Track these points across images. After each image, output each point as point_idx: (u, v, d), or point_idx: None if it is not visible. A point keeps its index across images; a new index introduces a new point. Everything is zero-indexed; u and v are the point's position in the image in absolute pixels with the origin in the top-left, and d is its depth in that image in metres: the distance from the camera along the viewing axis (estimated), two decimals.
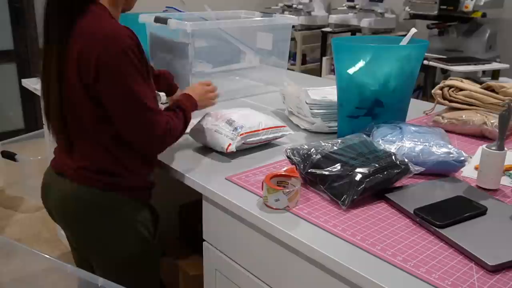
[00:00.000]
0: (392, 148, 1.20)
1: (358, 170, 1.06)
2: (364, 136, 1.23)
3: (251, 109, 1.47)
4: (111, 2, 1.18)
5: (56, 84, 1.13)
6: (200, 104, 1.40)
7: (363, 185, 1.03)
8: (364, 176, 1.05)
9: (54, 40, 1.13)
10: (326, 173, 1.08)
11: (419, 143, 1.21)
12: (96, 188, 1.18)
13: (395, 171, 1.09)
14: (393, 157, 1.12)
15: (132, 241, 1.24)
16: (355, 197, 1.03)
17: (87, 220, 1.21)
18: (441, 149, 1.19)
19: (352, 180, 1.04)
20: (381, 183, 1.07)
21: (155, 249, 1.31)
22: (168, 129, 1.18)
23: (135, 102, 1.12)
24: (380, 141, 1.24)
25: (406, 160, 1.13)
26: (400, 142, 1.22)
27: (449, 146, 1.21)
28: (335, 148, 1.15)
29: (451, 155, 1.17)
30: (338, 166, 1.08)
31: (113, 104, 1.12)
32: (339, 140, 1.20)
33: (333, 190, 1.06)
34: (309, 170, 1.11)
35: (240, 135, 1.29)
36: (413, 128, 1.29)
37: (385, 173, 1.07)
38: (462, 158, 1.18)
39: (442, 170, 1.19)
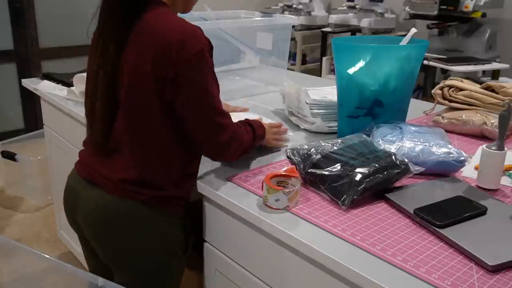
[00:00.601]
0: (392, 148, 1.20)
1: (358, 170, 1.06)
2: (364, 136, 1.23)
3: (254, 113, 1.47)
4: (171, 2, 1.13)
5: (109, 80, 1.07)
6: (267, 137, 1.32)
7: (363, 185, 1.03)
8: (364, 176, 1.05)
9: (113, 32, 1.06)
10: (326, 173, 1.08)
11: (419, 143, 1.21)
12: (134, 201, 1.11)
13: (395, 171, 1.09)
14: (393, 157, 1.12)
15: (164, 258, 1.18)
16: (355, 197, 1.03)
17: (121, 233, 1.13)
18: (441, 149, 1.19)
19: (352, 180, 1.04)
20: (381, 183, 1.07)
21: (183, 267, 1.26)
22: (233, 136, 1.14)
23: (210, 104, 1.08)
24: (380, 141, 1.24)
25: (406, 160, 1.13)
26: (400, 142, 1.22)
27: (449, 146, 1.21)
28: (335, 148, 1.15)
29: (451, 155, 1.17)
30: (338, 166, 1.08)
31: (188, 104, 1.06)
32: (339, 140, 1.20)
33: (333, 190, 1.06)
34: (309, 170, 1.11)
35: None
36: (413, 128, 1.29)
37: (385, 173, 1.07)
38: (462, 158, 1.18)
39: (442, 170, 1.19)
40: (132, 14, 1.06)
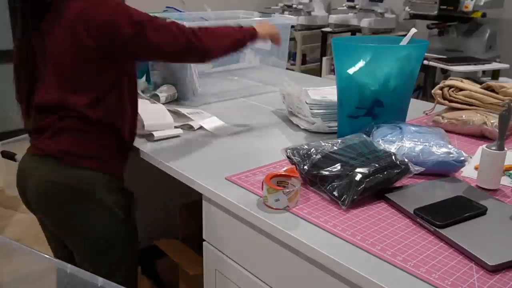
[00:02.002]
0: (392, 148, 1.20)
1: (358, 170, 1.06)
2: (364, 136, 1.23)
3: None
4: None
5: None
6: (259, 30, 1.41)
7: (363, 185, 1.03)
8: (364, 176, 1.05)
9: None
10: (326, 173, 1.08)
11: (419, 143, 1.21)
12: (71, 167, 1.22)
13: (395, 171, 1.09)
14: (393, 157, 1.12)
15: (107, 222, 1.27)
16: (355, 197, 1.03)
17: (61, 204, 1.25)
18: (441, 149, 1.19)
19: (352, 180, 1.04)
20: (381, 183, 1.07)
21: (131, 231, 1.34)
22: (188, 28, 1.24)
23: (124, 15, 1.18)
24: (380, 141, 1.24)
25: (406, 160, 1.13)
26: (400, 142, 1.22)
27: (449, 146, 1.21)
28: (335, 148, 1.15)
29: (451, 155, 1.17)
30: (338, 166, 1.08)
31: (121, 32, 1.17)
32: (339, 140, 1.20)
33: (333, 190, 1.06)
34: (309, 170, 1.11)
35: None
36: (413, 128, 1.29)
37: (385, 173, 1.07)
38: (462, 158, 1.18)
39: (442, 170, 1.19)
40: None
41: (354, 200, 1.03)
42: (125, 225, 1.31)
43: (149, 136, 1.44)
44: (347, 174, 1.06)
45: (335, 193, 1.05)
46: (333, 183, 1.06)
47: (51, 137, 1.23)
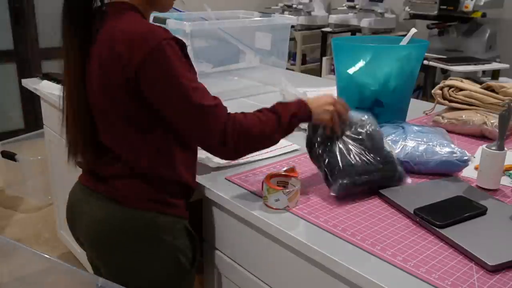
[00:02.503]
0: (396, 148, 1.20)
1: (352, 161, 1.07)
2: (379, 128, 1.18)
3: None
4: (140, 2, 1.08)
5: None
6: (315, 112, 1.11)
7: (351, 180, 1.06)
8: (354, 172, 1.06)
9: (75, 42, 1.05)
10: (325, 155, 1.10)
11: (422, 142, 1.21)
12: (133, 208, 1.07)
13: (387, 175, 1.10)
14: (393, 163, 1.12)
15: (171, 270, 1.11)
16: (344, 182, 1.05)
17: (121, 249, 1.09)
18: (444, 148, 1.19)
19: (344, 170, 1.06)
20: (368, 183, 1.09)
21: (192, 278, 1.19)
22: (230, 123, 1.02)
23: (181, 91, 0.99)
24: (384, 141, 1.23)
25: (402, 169, 1.13)
26: (403, 142, 1.22)
27: (452, 145, 1.21)
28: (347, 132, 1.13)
29: (455, 155, 1.17)
30: (337, 152, 1.09)
31: (159, 96, 1.00)
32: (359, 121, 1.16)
33: (326, 174, 1.08)
34: (314, 143, 1.12)
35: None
36: (416, 128, 1.29)
37: (376, 174, 1.08)
38: (466, 158, 1.18)
39: (446, 170, 1.19)
40: (86, 30, 1.04)
41: (344, 188, 1.05)
42: (187, 275, 1.15)
43: None
44: (342, 164, 1.07)
45: (327, 177, 1.08)
46: (327, 168, 1.08)
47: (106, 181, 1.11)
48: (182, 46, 1.03)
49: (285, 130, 1.08)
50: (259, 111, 1.08)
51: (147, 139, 1.06)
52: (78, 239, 1.19)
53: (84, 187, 1.15)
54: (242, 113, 1.07)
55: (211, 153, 1.08)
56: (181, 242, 1.11)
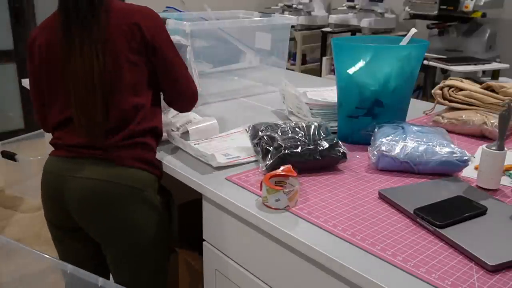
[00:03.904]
0: (397, 148, 1.20)
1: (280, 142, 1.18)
2: (324, 123, 1.31)
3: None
4: None
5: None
6: None
7: (280, 154, 1.15)
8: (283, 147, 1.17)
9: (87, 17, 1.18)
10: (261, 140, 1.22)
11: (422, 142, 1.21)
12: (123, 167, 1.22)
13: (319, 149, 1.19)
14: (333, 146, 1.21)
15: (155, 222, 1.27)
16: (271, 161, 1.15)
17: (113, 208, 1.22)
18: (444, 148, 1.19)
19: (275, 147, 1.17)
20: (297, 156, 1.17)
21: (168, 232, 1.34)
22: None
23: (182, 61, 1.32)
24: (384, 141, 1.23)
25: (344, 150, 1.21)
26: (403, 142, 1.22)
27: (452, 145, 1.21)
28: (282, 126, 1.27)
29: (455, 155, 1.17)
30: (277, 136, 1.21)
31: (169, 59, 1.27)
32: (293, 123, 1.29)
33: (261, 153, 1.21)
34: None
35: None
36: (416, 128, 1.29)
37: (308, 149, 1.18)
38: (466, 158, 1.18)
39: (446, 170, 1.19)
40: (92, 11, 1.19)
41: (271, 165, 1.15)
42: (167, 226, 1.33)
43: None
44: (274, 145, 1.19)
45: (262, 155, 1.20)
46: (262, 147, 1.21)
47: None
48: None
49: None
50: None
51: (143, 100, 1.25)
52: (62, 210, 1.26)
53: (70, 158, 1.23)
54: None
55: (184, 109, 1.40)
56: (160, 197, 1.29)
